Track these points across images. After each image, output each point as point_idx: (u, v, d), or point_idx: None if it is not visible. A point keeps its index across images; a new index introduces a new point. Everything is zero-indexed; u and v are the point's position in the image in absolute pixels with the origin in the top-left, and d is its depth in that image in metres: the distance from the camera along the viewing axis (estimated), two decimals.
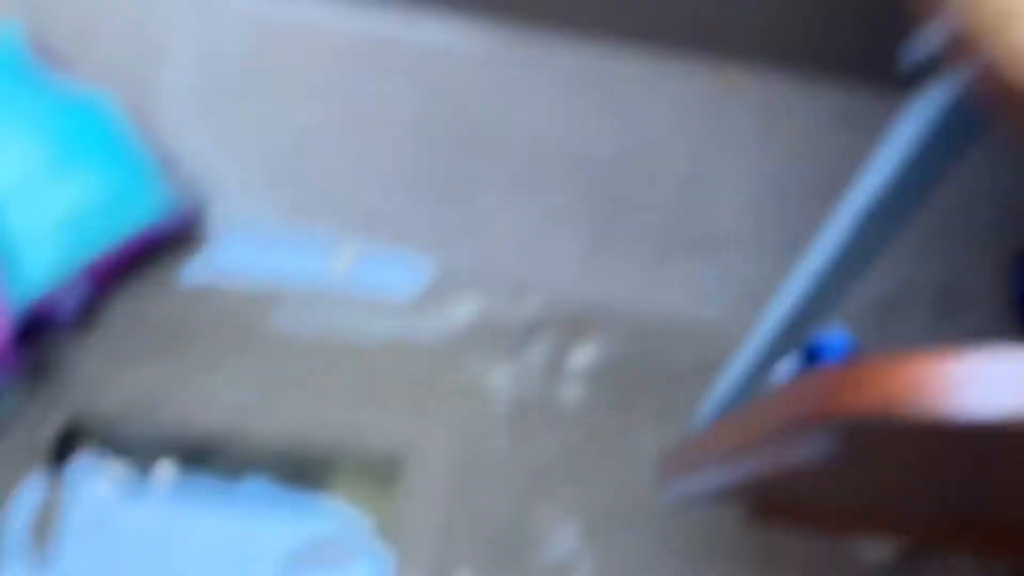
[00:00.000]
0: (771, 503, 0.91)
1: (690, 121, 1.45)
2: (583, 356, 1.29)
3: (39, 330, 1.27)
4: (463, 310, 1.31)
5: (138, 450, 1.24)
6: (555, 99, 1.44)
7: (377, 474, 1.23)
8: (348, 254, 1.33)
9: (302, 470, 1.23)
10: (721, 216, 1.40)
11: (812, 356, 1.27)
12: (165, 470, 1.22)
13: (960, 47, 0.55)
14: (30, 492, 1.20)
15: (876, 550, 1.20)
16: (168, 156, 1.37)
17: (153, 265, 1.32)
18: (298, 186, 1.37)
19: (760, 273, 1.36)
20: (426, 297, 1.31)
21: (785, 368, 1.24)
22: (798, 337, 0.89)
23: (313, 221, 1.35)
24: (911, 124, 0.67)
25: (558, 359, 1.28)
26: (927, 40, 0.60)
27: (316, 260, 1.33)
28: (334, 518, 1.21)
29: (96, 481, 1.22)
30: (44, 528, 1.19)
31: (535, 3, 1.44)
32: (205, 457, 1.24)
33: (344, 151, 1.39)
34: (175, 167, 1.36)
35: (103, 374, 1.26)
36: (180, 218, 1.31)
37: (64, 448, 1.23)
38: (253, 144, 1.39)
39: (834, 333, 1.30)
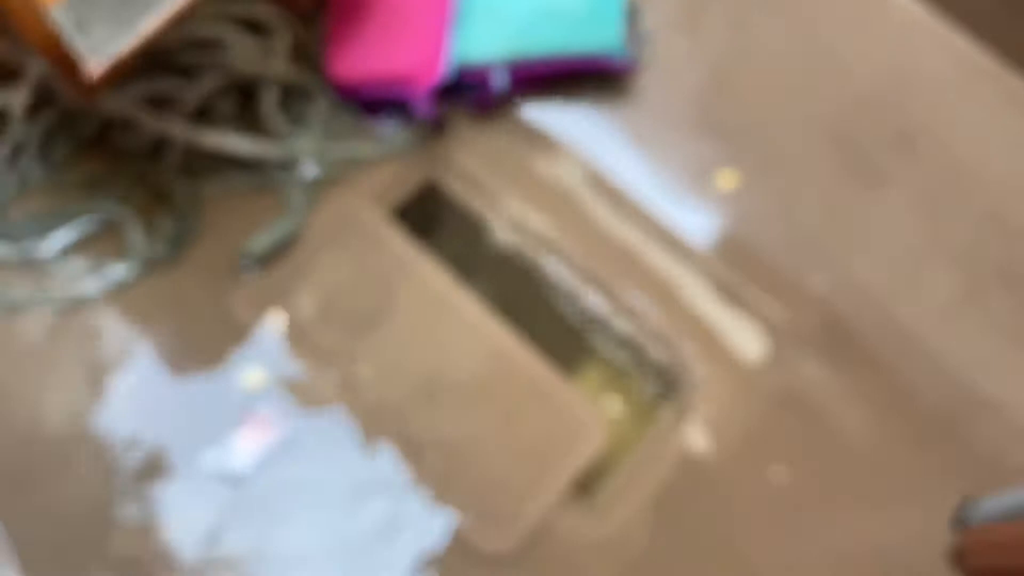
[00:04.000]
0: None
1: None
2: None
3: (458, 93, 1.37)
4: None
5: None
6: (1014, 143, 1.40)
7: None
8: (728, 177, 1.36)
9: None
10: None
11: None
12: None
13: None
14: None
15: None
16: (637, 7, 1.43)
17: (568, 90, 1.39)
18: (718, 107, 1.41)
19: None
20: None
21: None
22: None
23: (700, 142, 1.38)
24: None
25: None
26: None
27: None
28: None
29: None
30: None
31: None
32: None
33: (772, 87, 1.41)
34: (638, 18, 1.42)
35: (467, 162, 1.35)
36: (620, 63, 1.37)
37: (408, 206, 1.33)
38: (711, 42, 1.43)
39: None
